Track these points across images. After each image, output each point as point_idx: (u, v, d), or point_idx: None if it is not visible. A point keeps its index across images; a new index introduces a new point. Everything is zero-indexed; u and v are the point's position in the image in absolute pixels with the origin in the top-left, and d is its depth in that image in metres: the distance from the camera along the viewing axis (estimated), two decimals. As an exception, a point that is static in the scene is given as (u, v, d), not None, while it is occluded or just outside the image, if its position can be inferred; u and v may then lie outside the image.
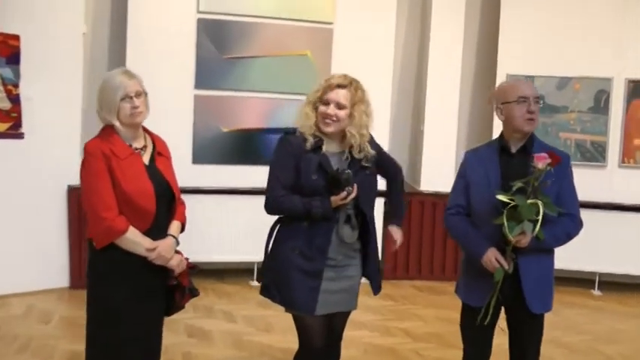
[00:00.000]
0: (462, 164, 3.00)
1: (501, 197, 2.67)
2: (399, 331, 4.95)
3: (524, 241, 2.70)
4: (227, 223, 5.94)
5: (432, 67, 6.41)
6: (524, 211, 2.63)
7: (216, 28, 5.90)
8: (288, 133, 2.91)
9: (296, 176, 2.81)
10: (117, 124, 2.66)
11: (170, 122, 5.01)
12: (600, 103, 6.39)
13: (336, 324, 2.97)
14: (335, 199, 2.76)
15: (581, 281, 6.49)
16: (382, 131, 5.80)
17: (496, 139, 2.96)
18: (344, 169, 2.79)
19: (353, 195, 2.77)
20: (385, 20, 6.25)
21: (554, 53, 6.31)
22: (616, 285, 6.51)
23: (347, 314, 3.02)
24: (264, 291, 2.93)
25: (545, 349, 3.05)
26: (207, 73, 5.89)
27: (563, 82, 6.35)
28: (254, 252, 5.40)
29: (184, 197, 2.90)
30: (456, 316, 3.05)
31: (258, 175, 5.58)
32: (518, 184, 2.65)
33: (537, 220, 2.64)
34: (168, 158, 2.82)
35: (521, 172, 2.69)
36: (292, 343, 3.10)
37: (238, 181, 5.89)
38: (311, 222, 2.79)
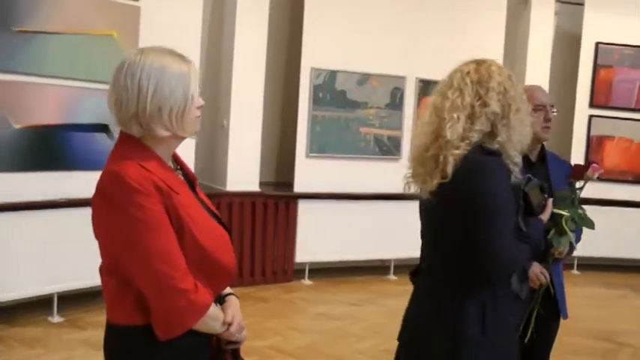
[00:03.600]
0: None
1: (555, 210, 2.51)
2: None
3: (565, 251, 2.77)
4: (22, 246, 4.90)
5: (237, 58, 6.35)
6: (579, 222, 2.70)
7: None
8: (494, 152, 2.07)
9: None
10: (164, 135, 1.80)
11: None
12: (396, 100, 6.93)
13: None
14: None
15: (380, 269, 7.02)
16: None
17: None
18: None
19: None
20: (192, 6, 6.08)
21: (355, 50, 6.70)
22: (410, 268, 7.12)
23: None
24: None
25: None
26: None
27: (364, 79, 6.78)
28: (56, 280, 4.94)
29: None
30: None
31: (59, 184, 5.13)
32: (564, 194, 2.71)
33: (573, 231, 2.72)
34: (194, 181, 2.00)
35: (544, 180, 2.45)
36: None
37: (34, 192, 4.90)
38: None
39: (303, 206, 6.54)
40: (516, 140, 2.07)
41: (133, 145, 1.80)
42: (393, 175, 6.76)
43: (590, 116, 7.73)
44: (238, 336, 1.89)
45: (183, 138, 1.86)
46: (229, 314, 1.86)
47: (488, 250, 1.95)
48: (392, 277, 6.97)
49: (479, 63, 2.13)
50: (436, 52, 6.95)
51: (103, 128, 5.18)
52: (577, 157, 7.61)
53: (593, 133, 7.74)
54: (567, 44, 7.92)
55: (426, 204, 2.11)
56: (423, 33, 6.97)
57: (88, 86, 5.12)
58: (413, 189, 2.17)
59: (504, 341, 2.08)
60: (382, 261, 7.11)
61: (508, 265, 2.00)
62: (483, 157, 2.01)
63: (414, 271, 2.32)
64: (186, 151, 5.72)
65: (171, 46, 4.85)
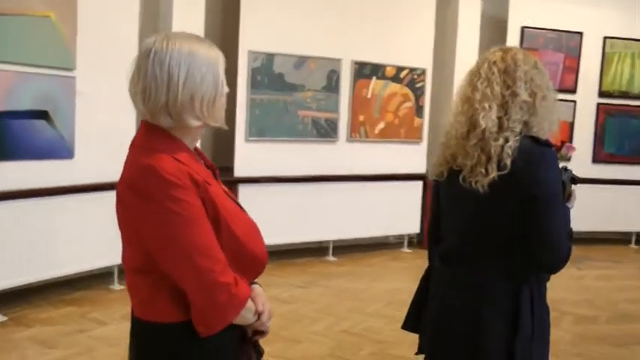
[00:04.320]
0: None
1: None
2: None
3: None
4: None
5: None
6: None
7: None
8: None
9: None
10: (195, 125, 1.75)
11: None
12: (332, 83, 7.02)
13: None
14: None
15: (318, 250, 7.13)
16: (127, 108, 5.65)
17: None
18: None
19: None
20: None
21: (292, 32, 6.75)
22: (348, 248, 7.29)
23: None
24: None
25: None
26: None
27: (301, 62, 6.83)
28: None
29: None
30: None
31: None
32: None
33: None
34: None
35: None
36: None
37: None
38: None
39: (243, 190, 6.57)
40: (546, 128, 2.15)
41: (161, 136, 1.74)
42: (331, 157, 7.05)
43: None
44: (267, 325, 1.87)
45: (201, 130, 1.80)
46: (259, 303, 1.82)
47: (549, 240, 2.04)
48: (331, 258, 7.10)
49: (505, 51, 2.18)
50: (370, 35, 7.12)
51: (43, 115, 5.05)
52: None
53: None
54: (494, 28, 8.20)
55: (466, 195, 2.10)
56: (357, 15, 7.08)
57: (26, 70, 4.96)
58: (446, 177, 2.22)
59: (547, 324, 2.21)
60: (320, 242, 7.24)
61: (567, 253, 2.09)
62: (541, 149, 2.07)
63: (442, 258, 2.31)
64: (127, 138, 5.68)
65: (109, 28, 4.68)
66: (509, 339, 2.08)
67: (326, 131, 7.06)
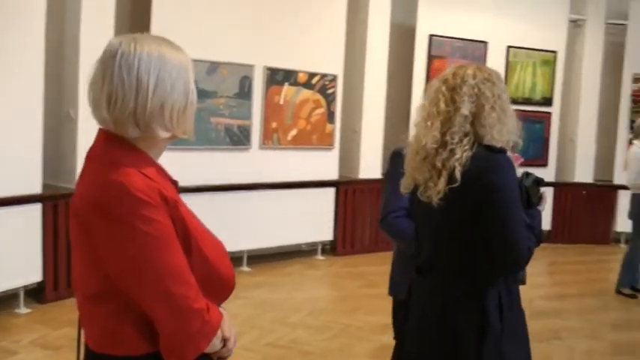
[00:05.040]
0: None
1: None
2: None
3: None
4: None
5: (84, 48, 5.96)
6: None
7: None
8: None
9: None
10: (164, 136, 1.62)
11: None
12: (245, 89, 6.91)
13: None
14: None
15: (232, 260, 6.96)
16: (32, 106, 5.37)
17: None
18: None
19: None
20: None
21: (204, 38, 6.57)
22: (262, 258, 7.19)
23: None
24: None
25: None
26: None
27: (213, 68, 6.67)
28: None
29: None
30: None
31: None
32: None
33: None
34: None
35: None
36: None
37: None
38: None
39: (154, 200, 6.31)
40: (504, 139, 2.19)
41: (125, 148, 1.59)
42: (244, 164, 6.93)
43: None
44: (232, 351, 1.76)
45: (170, 141, 1.66)
46: (226, 329, 1.70)
47: (509, 243, 2.10)
48: (245, 268, 6.97)
49: (458, 68, 2.25)
50: (282, 41, 7.08)
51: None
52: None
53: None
54: (403, 36, 8.35)
55: (430, 207, 2.16)
56: (270, 21, 7.01)
57: None
58: (412, 190, 2.28)
59: (519, 324, 2.26)
60: (234, 253, 7.09)
61: (526, 255, 2.15)
62: (495, 156, 2.13)
63: (418, 269, 2.36)
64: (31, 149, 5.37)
65: (16, 30, 4.29)
66: (479, 341, 2.13)
67: (239, 138, 6.94)
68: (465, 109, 2.15)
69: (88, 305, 1.64)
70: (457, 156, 2.10)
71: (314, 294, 6.00)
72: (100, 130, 1.63)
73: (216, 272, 1.68)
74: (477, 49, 8.49)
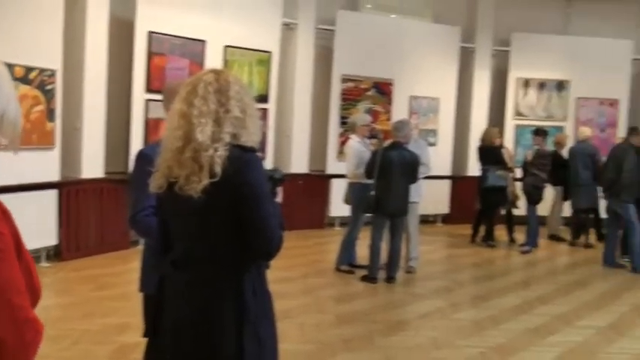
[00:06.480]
0: None
1: None
2: None
3: None
4: None
5: None
6: None
7: None
8: None
9: None
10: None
11: None
12: None
13: None
14: None
15: None
16: None
17: None
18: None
19: None
20: None
21: None
22: None
23: None
24: None
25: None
26: None
27: None
28: None
29: None
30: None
31: None
32: None
33: None
34: None
35: None
36: None
37: None
38: None
39: None
40: (255, 140, 2.43)
41: None
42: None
43: (147, 100, 8.23)
44: None
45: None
46: None
47: (263, 233, 2.35)
48: None
49: (217, 73, 2.43)
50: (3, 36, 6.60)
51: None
52: (137, 139, 8.06)
53: (150, 116, 8.26)
54: (123, 32, 8.26)
55: (188, 202, 2.28)
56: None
57: None
58: (165, 188, 2.37)
59: (269, 305, 2.50)
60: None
61: (279, 243, 2.40)
62: (248, 155, 2.35)
63: (174, 263, 2.45)
64: None
65: None
66: (238, 327, 2.33)
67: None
68: (237, 111, 2.37)
69: None
70: (219, 153, 2.30)
71: (45, 303, 5.62)
72: None
73: (34, 282, 1.67)
74: (196, 47, 8.70)
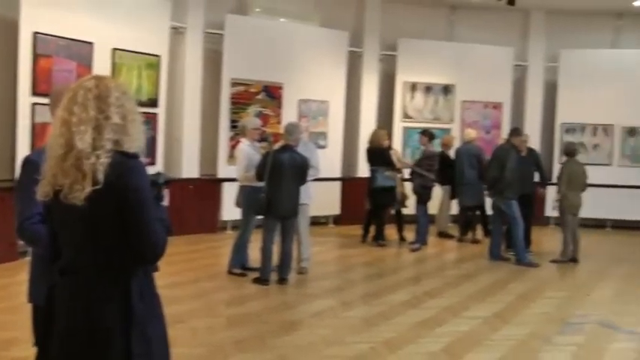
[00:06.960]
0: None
1: None
2: None
3: None
4: None
5: None
6: None
7: None
8: None
9: None
10: None
11: None
12: None
13: None
14: None
15: None
16: None
17: None
18: None
19: None
20: None
21: None
22: None
23: None
24: None
25: None
26: None
27: None
28: None
29: None
30: None
31: None
32: None
33: None
34: None
35: None
36: None
37: None
38: None
39: None
40: (139, 146, 2.46)
41: None
42: None
43: (33, 104, 7.96)
44: None
45: None
46: None
47: (148, 238, 2.39)
48: None
49: (98, 79, 2.44)
50: None
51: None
52: (23, 144, 7.81)
53: (37, 120, 7.97)
54: (7, 33, 8.02)
55: (73, 210, 2.31)
56: None
57: None
58: (52, 196, 2.37)
59: (157, 306, 2.55)
60: None
61: (163, 247, 2.45)
62: (131, 161, 2.38)
63: (61, 271, 2.45)
64: None
65: None
66: (126, 330, 2.38)
67: None
68: (116, 118, 2.40)
69: None
70: (101, 160, 2.33)
71: None
72: None
73: None
74: (83, 49, 8.53)
